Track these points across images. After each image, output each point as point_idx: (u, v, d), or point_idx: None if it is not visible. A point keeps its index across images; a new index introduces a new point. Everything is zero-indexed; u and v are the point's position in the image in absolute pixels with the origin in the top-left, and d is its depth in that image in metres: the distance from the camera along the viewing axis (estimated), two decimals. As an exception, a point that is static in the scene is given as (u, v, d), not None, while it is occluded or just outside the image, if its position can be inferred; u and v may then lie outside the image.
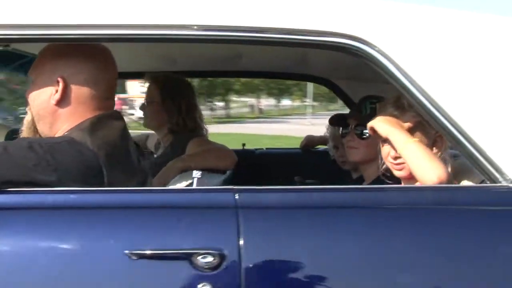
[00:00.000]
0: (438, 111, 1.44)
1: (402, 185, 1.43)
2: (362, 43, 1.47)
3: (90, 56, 1.59)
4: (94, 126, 1.57)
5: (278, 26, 1.46)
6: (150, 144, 2.83)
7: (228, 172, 2.41)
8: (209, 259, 1.30)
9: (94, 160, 1.50)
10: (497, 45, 1.49)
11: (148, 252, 1.30)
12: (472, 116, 1.43)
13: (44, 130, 1.64)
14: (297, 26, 1.47)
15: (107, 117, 1.63)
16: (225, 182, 2.20)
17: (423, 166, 1.54)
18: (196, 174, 1.48)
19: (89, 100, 1.59)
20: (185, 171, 2.22)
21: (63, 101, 1.58)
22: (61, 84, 1.56)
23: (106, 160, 1.52)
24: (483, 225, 1.38)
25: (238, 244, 1.32)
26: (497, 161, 1.41)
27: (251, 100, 41.90)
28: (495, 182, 1.42)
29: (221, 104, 37.03)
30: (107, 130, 1.59)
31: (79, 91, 1.58)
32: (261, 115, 38.04)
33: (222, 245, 1.32)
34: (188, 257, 1.30)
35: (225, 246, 1.31)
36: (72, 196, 1.35)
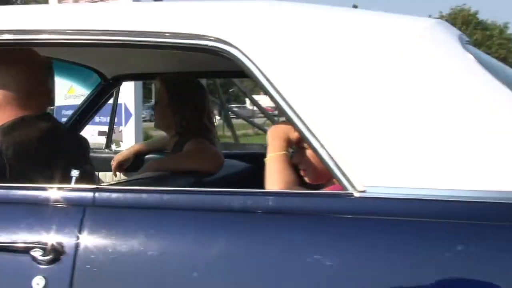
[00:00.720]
0: (296, 115, 1.37)
1: (244, 189, 1.38)
2: (228, 45, 1.45)
3: (5, 62, 1.76)
4: (13, 126, 1.73)
5: (146, 30, 1.49)
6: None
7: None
8: (46, 253, 1.37)
9: None
10: (358, 44, 1.38)
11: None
12: (323, 119, 1.34)
13: None
14: (167, 29, 1.48)
15: (33, 118, 1.78)
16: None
17: (266, 181, 1.60)
18: (74, 173, 1.55)
19: (8, 102, 1.75)
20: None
21: None
22: None
23: (13, 158, 1.66)
24: (324, 233, 1.29)
25: (77, 242, 1.37)
26: (344, 168, 1.30)
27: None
28: (344, 190, 1.31)
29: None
30: (26, 130, 1.74)
31: None
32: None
33: (62, 242, 1.38)
34: (28, 251, 1.38)
35: (65, 243, 1.38)
36: None
